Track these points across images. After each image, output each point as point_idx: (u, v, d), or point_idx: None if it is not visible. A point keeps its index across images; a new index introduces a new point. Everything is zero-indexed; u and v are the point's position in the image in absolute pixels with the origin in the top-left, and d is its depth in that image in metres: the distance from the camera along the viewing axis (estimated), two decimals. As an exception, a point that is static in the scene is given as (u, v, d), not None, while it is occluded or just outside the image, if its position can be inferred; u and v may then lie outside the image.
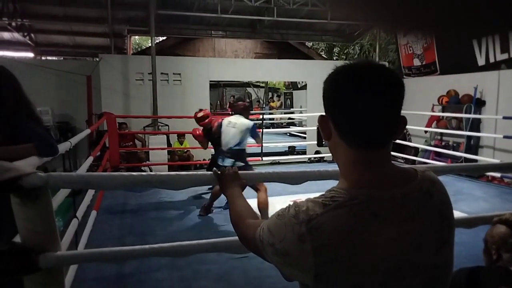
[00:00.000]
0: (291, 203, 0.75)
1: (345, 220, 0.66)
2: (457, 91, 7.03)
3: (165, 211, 4.85)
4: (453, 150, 6.95)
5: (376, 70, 0.71)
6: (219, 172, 1.29)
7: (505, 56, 6.53)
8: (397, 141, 4.41)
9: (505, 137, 5.70)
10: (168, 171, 7.22)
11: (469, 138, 6.65)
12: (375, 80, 0.69)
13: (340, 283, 0.67)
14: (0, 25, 8.05)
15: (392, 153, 4.20)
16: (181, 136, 7.45)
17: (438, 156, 7.40)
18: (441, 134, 7.53)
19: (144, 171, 6.80)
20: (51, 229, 1.35)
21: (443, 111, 7.38)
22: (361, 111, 0.69)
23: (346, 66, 0.73)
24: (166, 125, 7.58)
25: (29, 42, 9.35)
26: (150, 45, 8.58)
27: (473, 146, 6.69)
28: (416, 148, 7.86)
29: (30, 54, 9.99)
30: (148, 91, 7.41)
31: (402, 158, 7.98)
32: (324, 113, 0.76)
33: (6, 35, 9.03)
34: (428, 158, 7.40)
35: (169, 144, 7.52)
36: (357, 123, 0.70)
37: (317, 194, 0.73)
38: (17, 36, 8.90)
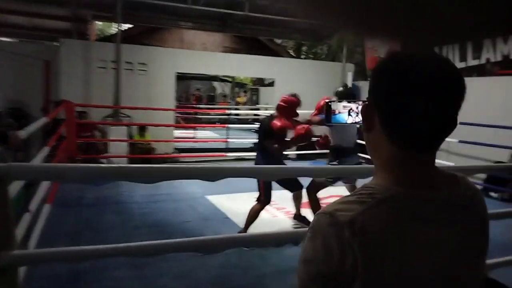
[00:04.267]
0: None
1: (388, 218, 0.61)
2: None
3: (124, 206, 4.68)
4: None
5: (441, 65, 0.63)
6: None
7: (463, 64, 6.87)
8: (358, 141, 4.46)
9: (460, 141, 5.99)
10: (128, 163, 7.01)
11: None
12: (437, 76, 0.62)
13: None
14: None
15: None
16: (143, 129, 7.22)
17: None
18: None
19: (102, 163, 6.54)
20: (7, 226, 1.23)
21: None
22: (416, 110, 0.62)
23: (405, 55, 0.64)
24: (128, 116, 7.32)
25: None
26: (113, 32, 8.23)
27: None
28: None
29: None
30: (111, 80, 7.10)
31: (363, 158, 8.20)
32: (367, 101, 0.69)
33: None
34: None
35: (130, 137, 7.27)
36: (409, 123, 0.63)
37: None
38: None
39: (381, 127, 0.67)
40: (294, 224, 4.20)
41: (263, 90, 15.51)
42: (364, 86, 9.03)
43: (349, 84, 8.34)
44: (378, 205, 0.62)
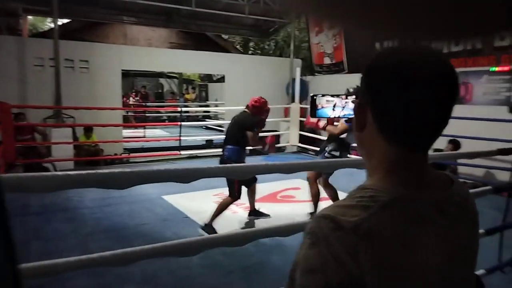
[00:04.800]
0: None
1: (394, 222, 0.58)
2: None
3: (75, 212, 4.42)
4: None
5: (435, 59, 0.61)
6: None
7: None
8: (309, 134, 4.67)
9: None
10: (74, 167, 6.62)
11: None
12: (434, 71, 0.59)
13: None
14: None
15: (304, 145, 4.50)
16: (88, 130, 6.84)
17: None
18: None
19: (46, 168, 6.11)
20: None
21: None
22: (413, 108, 0.59)
23: (398, 50, 0.62)
24: (72, 117, 6.89)
25: None
26: (47, 27, 7.68)
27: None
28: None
29: None
30: (50, 78, 6.63)
31: (313, 150, 8.48)
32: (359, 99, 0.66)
33: None
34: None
35: (75, 138, 6.86)
36: (406, 120, 0.61)
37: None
38: None
39: (376, 125, 0.64)
40: (249, 220, 4.20)
41: (212, 86, 15.37)
42: (312, 81, 9.30)
43: (297, 79, 8.54)
44: (383, 208, 0.58)
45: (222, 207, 3.74)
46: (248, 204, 4.70)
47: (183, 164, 7.22)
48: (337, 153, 4.00)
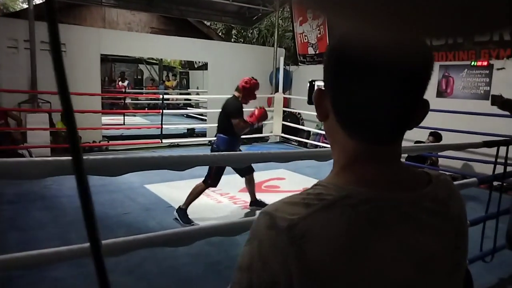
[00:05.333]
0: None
1: (337, 226, 0.50)
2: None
3: (53, 200, 4.29)
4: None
5: (401, 41, 0.52)
6: None
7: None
8: (292, 124, 4.72)
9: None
10: (51, 154, 6.40)
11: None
12: (396, 55, 0.51)
13: None
14: None
15: (286, 135, 4.58)
16: (67, 115, 6.60)
17: (327, 139, 8.09)
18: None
19: (22, 154, 5.88)
20: None
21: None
22: (369, 96, 0.53)
23: (360, 32, 0.53)
24: (48, 102, 6.64)
25: None
26: (20, 7, 7.33)
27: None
28: (308, 132, 8.45)
29: None
30: (25, 61, 6.35)
31: (296, 140, 8.52)
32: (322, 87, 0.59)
33: None
34: (319, 141, 8.03)
35: (52, 124, 6.61)
36: (362, 110, 0.54)
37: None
38: None
39: (334, 116, 0.57)
40: (251, 210, 4.15)
41: (193, 73, 15.13)
42: (296, 71, 9.28)
43: (281, 69, 8.50)
44: (327, 208, 0.51)
45: (196, 193, 3.70)
46: (232, 194, 4.69)
47: (167, 153, 7.11)
48: None
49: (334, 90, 0.57)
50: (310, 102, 1.35)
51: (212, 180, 3.67)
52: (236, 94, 3.80)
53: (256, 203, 4.12)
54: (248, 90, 3.76)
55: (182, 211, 3.67)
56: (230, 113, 3.69)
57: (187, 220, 3.62)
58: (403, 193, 0.55)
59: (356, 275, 0.50)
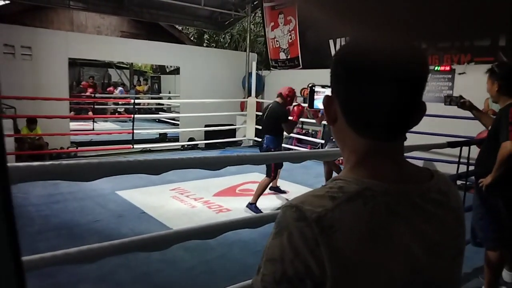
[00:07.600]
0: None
1: (361, 215, 0.56)
2: (316, 84, 7.88)
3: (20, 210, 4.10)
4: (312, 137, 7.85)
5: (402, 48, 0.60)
6: None
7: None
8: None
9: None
10: (16, 161, 6.15)
11: (324, 126, 7.56)
12: (397, 61, 0.58)
13: None
14: None
15: (259, 139, 4.64)
16: (32, 121, 6.38)
17: (300, 142, 8.21)
18: (302, 122, 8.35)
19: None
20: None
21: (304, 102, 8.18)
22: (376, 98, 0.59)
23: (365, 41, 0.60)
24: (13, 107, 6.39)
25: None
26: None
27: (329, 133, 7.64)
28: (282, 136, 8.53)
29: None
30: (-13, 65, 6.09)
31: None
32: (330, 93, 0.66)
33: None
34: (291, 144, 8.13)
35: (17, 130, 6.36)
36: (370, 111, 0.60)
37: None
38: None
39: (343, 118, 0.64)
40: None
41: (165, 78, 14.95)
42: (268, 76, 9.37)
43: (253, 73, 8.56)
44: (350, 200, 0.56)
45: (262, 187, 4.24)
46: (206, 199, 4.69)
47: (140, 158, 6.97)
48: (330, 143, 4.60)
49: (343, 95, 0.63)
50: (311, 106, 1.37)
51: (273, 173, 4.31)
52: (279, 100, 4.43)
53: (251, 206, 4.25)
54: (291, 98, 4.50)
55: (252, 206, 4.18)
56: (279, 118, 4.31)
57: (259, 212, 4.05)
58: (412, 185, 0.62)
59: (379, 257, 0.55)
